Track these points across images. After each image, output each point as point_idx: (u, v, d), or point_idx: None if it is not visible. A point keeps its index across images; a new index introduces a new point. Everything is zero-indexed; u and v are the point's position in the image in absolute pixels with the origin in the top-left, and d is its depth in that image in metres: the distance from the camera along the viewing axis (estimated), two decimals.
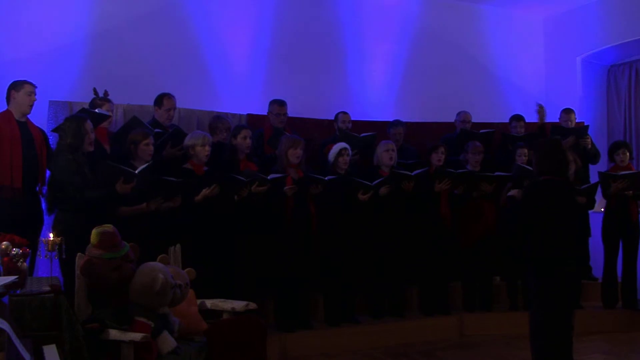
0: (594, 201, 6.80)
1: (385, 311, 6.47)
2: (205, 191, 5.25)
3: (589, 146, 7.35)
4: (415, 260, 6.59)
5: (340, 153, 6.15)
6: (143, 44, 7.07)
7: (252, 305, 4.46)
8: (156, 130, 5.58)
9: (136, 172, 4.78)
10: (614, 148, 6.99)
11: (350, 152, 6.24)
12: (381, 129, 7.30)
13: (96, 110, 5.33)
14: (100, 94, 5.76)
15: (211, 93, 7.47)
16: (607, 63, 9.48)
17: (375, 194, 6.13)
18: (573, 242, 4.20)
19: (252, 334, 4.17)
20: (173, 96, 5.98)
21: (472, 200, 6.56)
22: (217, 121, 6.18)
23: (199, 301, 4.47)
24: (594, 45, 9.07)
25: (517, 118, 7.71)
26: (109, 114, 5.56)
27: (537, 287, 4.15)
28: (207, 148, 5.40)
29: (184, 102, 6.58)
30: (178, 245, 4.54)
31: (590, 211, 7.03)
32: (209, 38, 7.55)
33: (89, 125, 4.79)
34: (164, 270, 3.86)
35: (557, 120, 7.67)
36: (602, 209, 6.97)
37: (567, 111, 7.69)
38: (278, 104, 6.65)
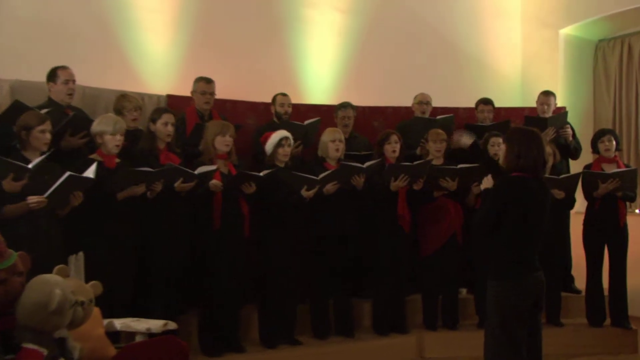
0: (573, 199, 6.97)
1: (331, 330, 6.54)
2: (135, 189, 5.30)
3: (570, 138, 7.53)
4: (366, 269, 6.71)
5: (279, 143, 6.19)
6: (38, 9, 6.98)
7: (172, 325, 4.49)
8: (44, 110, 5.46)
9: (29, 166, 4.75)
10: (598, 135, 7.10)
11: (291, 141, 6.29)
12: (327, 114, 7.41)
13: None
14: None
15: (123, 69, 7.42)
16: (595, 38, 9.66)
17: (321, 191, 6.18)
18: (539, 247, 4.48)
19: (171, 359, 4.19)
20: (69, 67, 5.95)
21: (435, 199, 6.66)
22: (122, 100, 6.20)
23: (105, 321, 4.42)
24: (579, 17, 9.21)
25: (485, 101, 7.85)
26: None
27: (496, 293, 4.38)
28: (119, 137, 5.39)
29: (89, 79, 6.56)
30: (80, 254, 4.49)
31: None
32: (119, 3, 7.51)
33: None
34: (61, 284, 3.82)
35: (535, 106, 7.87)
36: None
37: (546, 94, 7.83)
38: (204, 82, 6.71)
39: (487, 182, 4.69)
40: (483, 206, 4.57)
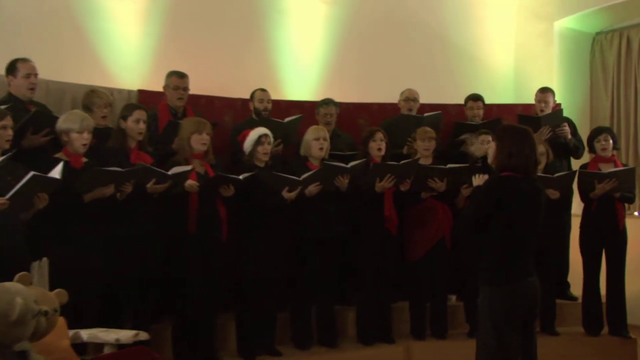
0: (569, 200, 7.02)
1: (313, 340, 6.53)
2: (103, 190, 5.25)
3: (569, 136, 7.53)
4: (351, 275, 6.71)
5: (258, 141, 6.18)
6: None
7: (143, 335, 4.46)
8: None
9: None
10: (595, 134, 7.13)
11: (271, 139, 6.27)
12: (309, 110, 7.41)
13: None
14: None
15: (90, 62, 7.38)
16: (592, 30, 9.69)
17: (303, 192, 6.17)
18: (532, 251, 4.51)
19: None
20: (30, 60, 5.88)
21: (422, 200, 6.65)
22: (92, 96, 6.14)
23: (71, 332, 4.40)
24: (575, 8, 9.24)
25: (475, 98, 7.86)
26: None
27: (488, 299, 4.38)
28: (87, 135, 5.33)
29: (53, 72, 6.51)
30: (44, 260, 4.45)
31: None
32: None
33: None
34: (23, 292, 3.80)
35: (532, 103, 7.88)
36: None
37: (543, 91, 7.86)
38: (177, 76, 6.69)
39: (480, 179, 4.67)
40: (470, 205, 4.57)
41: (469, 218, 4.52)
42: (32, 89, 5.86)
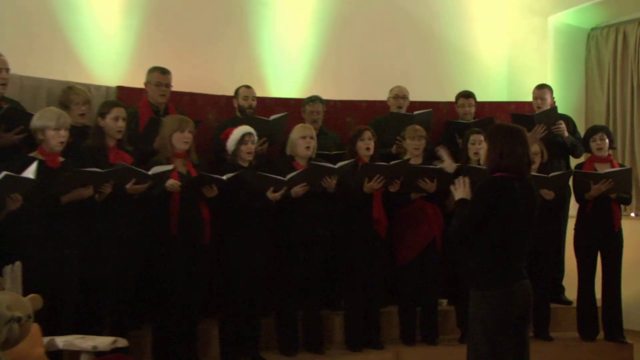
0: (564, 201, 7.02)
1: (299, 346, 6.51)
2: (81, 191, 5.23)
3: (565, 134, 7.52)
4: (338, 279, 6.71)
5: (242, 140, 6.18)
6: None
7: (122, 342, 4.46)
8: None
9: None
10: (590, 133, 7.17)
11: (255, 138, 6.27)
12: (295, 108, 7.40)
13: None
14: None
15: (66, 57, 7.32)
16: (587, 25, 9.70)
17: (289, 193, 6.16)
18: (525, 253, 4.51)
19: None
20: (2, 54, 5.83)
21: (412, 201, 6.65)
22: (70, 93, 6.13)
23: (46, 339, 4.38)
24: (570, 2, 9.24)
25: (466, 95, 7.85)
26: None
27: (479, 304, 4.38)
28: (63, 132, 5.30)
29: (27, 68, 6.48)
30: (17, 264, 4.45)
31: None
32: None
33: None
34: None
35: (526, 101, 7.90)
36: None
37: (541, 87, 7.86)
38: (159, 72, 6.67)
39: (462, 192, 4.64)
40: (462, 210, 4.54)
41: (462, 227, 4.49)
42: (3, 84, 5.81)
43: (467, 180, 4.69)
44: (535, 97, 7.81)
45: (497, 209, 4.35)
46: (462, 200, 4.60)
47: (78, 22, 7.45)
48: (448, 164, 6.64)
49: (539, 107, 7.70)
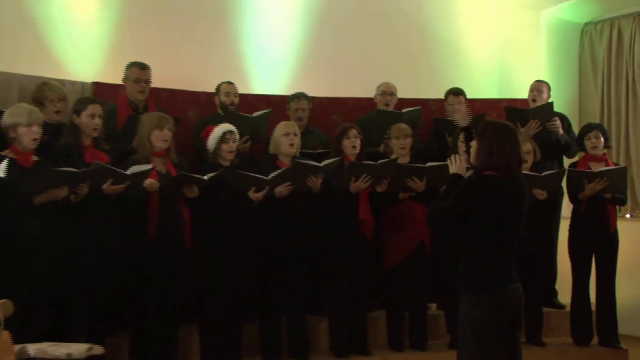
0: (557, 201, 7.03)
1: (283, 352, 6.50)
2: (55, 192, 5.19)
3: (560, 131, 7.51)
4: (323, 283, 6.69)
5: (223, 138, 6.18)
6: None
7: (98, 349, 4.45)
8: None
9: None
10: (585, 131, 7.18)
11: (237, 136, 6.26)
12: (279, 105, 7.39)
13: None
14: None
15: (38, 51, 7.28)
16: (581, 20, 9.73)
17: (272, 192, 6.15)
18: (515, 255, 4.50)
19: None
20: None
21: (400, 202, 6.65)
22: (44, 89, 6.09)
23: (17, 347, 4.35)
24: None
25: (456, 92, 7.82)
26: None
27: (469, 308, 4.39)
28: (36, 128, 5.28)
29: None
30: None
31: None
32: None
33: None
34: None
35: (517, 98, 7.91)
36: None
37: (538, 82, 7.86)
38: (138, 67, 6.67)
39: (456, 167, 4.66)
40: (445, 197, 4.53)
41: (440, 214, 4.52)
42: None
43: (462, 158, 4.69)
44: (531, 89, 7.80)
45: (485, 209, 4.34)
46: (455, 175, 4.63)
47: (50, 13, 7.42)
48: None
49: (534, 100, 7.69)
